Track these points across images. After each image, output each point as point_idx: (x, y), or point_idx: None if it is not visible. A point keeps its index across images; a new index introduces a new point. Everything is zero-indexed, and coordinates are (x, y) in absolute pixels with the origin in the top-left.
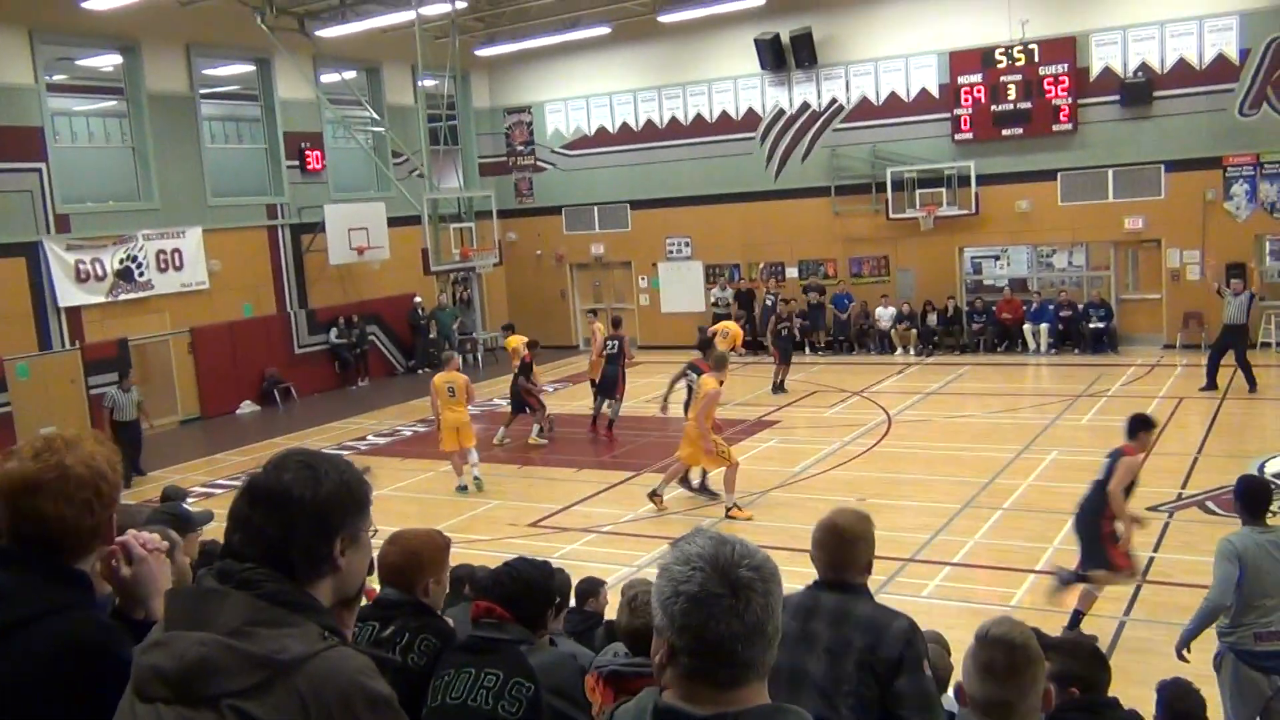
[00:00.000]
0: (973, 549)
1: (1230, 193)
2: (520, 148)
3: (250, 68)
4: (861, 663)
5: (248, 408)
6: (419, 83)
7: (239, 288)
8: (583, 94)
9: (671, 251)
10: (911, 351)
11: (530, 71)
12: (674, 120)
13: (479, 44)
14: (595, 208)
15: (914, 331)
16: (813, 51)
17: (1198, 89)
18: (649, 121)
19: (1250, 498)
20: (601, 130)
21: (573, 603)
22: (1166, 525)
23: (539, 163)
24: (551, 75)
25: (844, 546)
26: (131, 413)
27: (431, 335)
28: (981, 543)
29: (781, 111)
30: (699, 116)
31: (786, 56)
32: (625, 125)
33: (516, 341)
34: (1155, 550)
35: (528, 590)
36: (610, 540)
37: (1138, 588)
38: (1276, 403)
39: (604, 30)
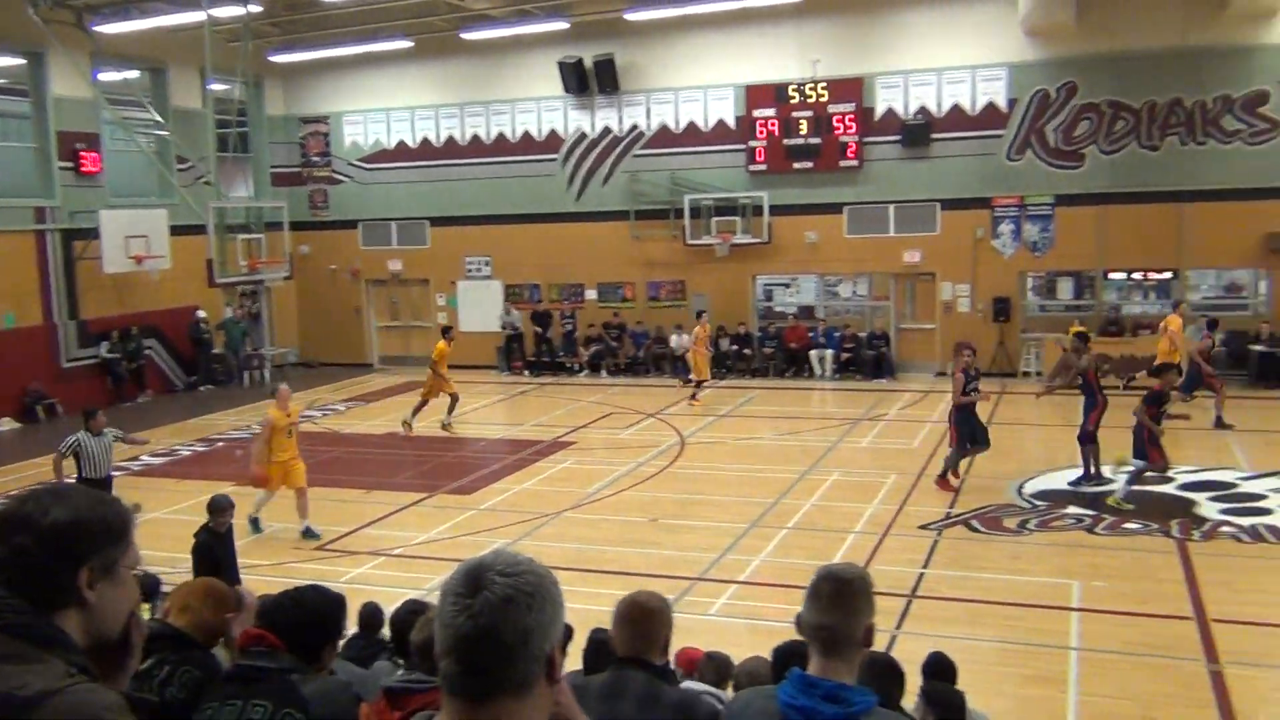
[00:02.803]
0: (758, 567)
1: (997, 231)
2: (316, 159)
3: (20, 61)
4: None
5: (6, 425)
6: (207, 86)
7: (0, 296)
8: (383, 107)
9: (471, 270)
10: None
11: (328, 81)
12: (476, 138)
13: (274, 49)
14: (393, 223)
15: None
16: (615, 78)
17: (970, 134)
18: (450, 138)
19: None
20: (401, 145)
21: (355, 628)
22: (936, 543)
23: (335, 175)
24: (350, 86)
25: (647, 621)
26: (106, 465)
27: (215, 350)
28: (767, 561)
29: (584, 135)
30: (501, 136)
31: (589, 81)
32: (426, 141)
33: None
34: (925, 566)
35: (313, 621)
36: (399, 564)
37: (908, 602)
38: (1037, 428)
39: (405, 44)
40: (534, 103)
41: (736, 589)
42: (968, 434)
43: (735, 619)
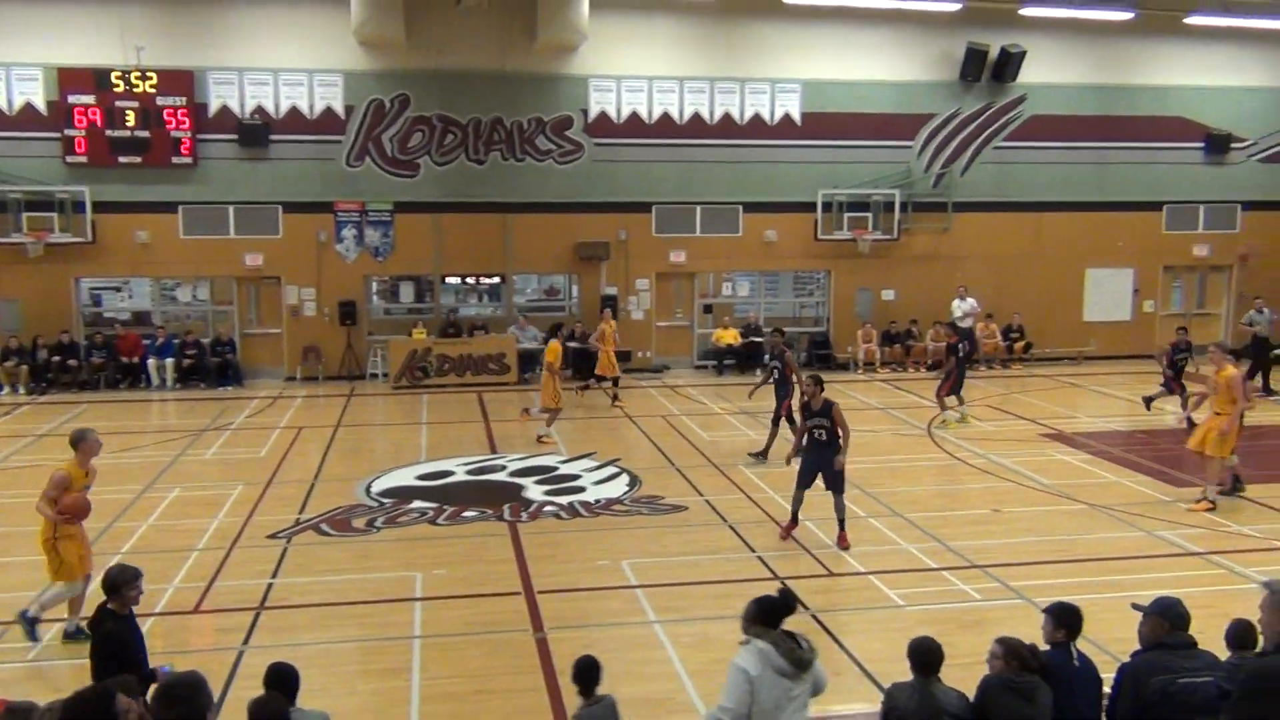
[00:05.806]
0: (86, 601)
1: (341, 236)
2: None
3: None
4: None
5: None
6: None
7: None
8: None
9: None
10: (22, 390)
11: None
12: None
13: None
14: None
15: (25, 368)
16: None
17: (310, 137)
18: None
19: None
20: None
21: None
22: (285, 551)
23: None
24: None
25: None
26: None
27: None
28: (94, 595)
29: None
30: None
31: None
32: None
33: None
34: (274, 576)
35: None
36: None
37: (257, 615)
38: (384, 427)
39: None
40: None
41: (57, 629)
42: (805, 472)
43: (54, 661)
